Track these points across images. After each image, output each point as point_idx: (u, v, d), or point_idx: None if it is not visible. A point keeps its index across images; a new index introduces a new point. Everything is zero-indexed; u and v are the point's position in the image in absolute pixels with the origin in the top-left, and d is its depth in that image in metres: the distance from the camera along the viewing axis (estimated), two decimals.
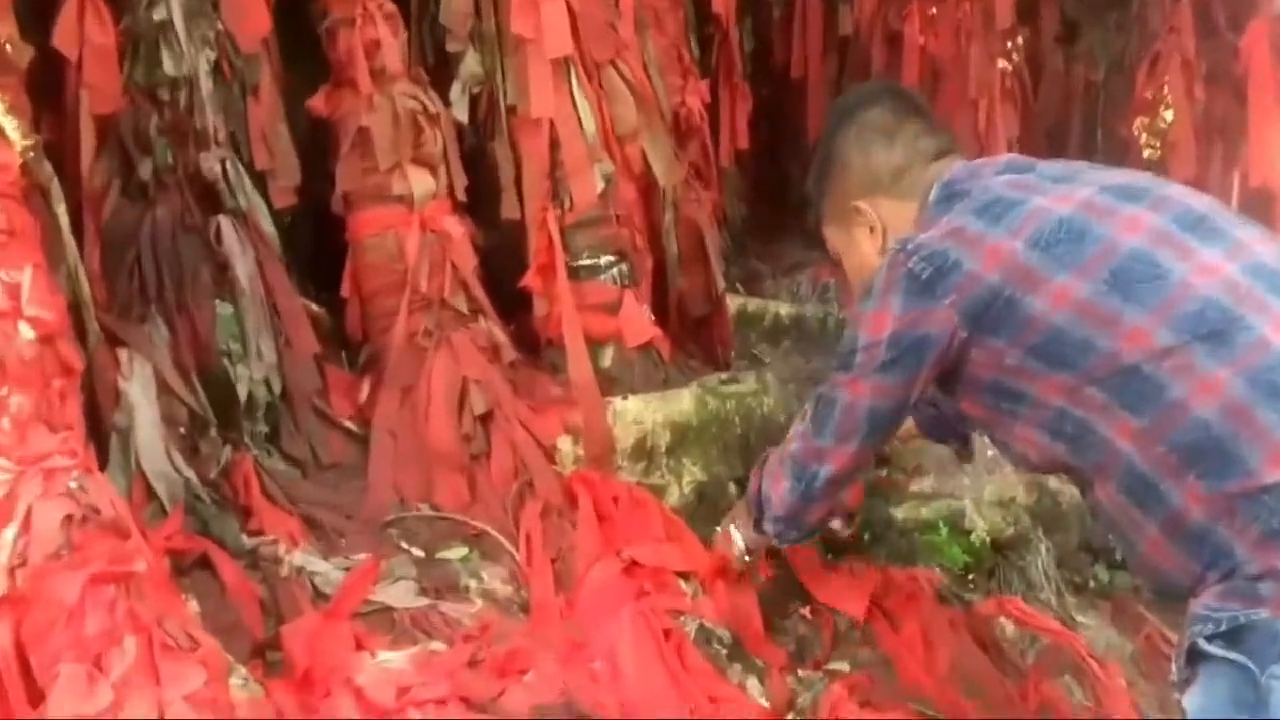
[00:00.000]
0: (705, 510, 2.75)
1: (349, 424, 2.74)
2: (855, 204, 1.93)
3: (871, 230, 1.92)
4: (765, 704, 2.19)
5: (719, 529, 2.46)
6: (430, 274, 2.85)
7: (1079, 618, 2.70)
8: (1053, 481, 2.89)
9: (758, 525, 2.22)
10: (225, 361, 2.51)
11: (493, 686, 1.97)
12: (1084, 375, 1.65)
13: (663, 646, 2.17)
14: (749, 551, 2.33)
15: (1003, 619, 2.55)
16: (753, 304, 3.98)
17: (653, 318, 3.19)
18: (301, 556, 2.23)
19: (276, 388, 2.61)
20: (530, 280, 3.01)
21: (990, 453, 2.78)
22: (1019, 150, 4.20)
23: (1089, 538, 2.90)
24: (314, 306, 2.89)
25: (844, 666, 2.37)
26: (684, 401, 2.88)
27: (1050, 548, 2.80)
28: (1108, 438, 1.64)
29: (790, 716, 2.21)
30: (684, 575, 2.44)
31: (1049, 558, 2.78)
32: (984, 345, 1.72)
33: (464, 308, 2.89)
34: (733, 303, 3.79)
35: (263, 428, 2.57)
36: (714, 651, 2.26)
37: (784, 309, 3.98)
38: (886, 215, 1.90)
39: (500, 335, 2.94)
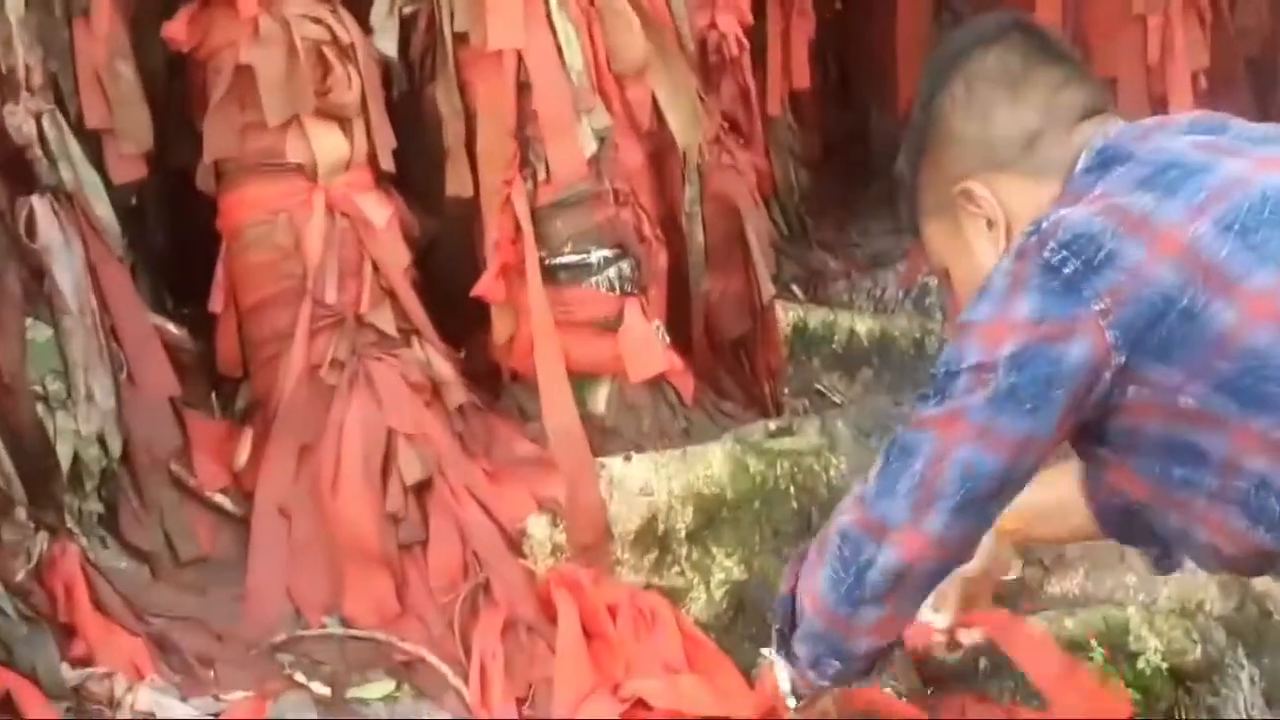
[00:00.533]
0: (745, 624, 2.75)
1: (221, 499, 2.74)
2: (967, 186, 1.89)
3: (990, 224, 1.89)
4: None
5: (764, 655, 2.44)
6: (341, 278, 2.86)
7: None
8: (1259, 581, 2.87)
9: (784, 645, 2.07)
10: (40, 409, 2.51)
11: None
12: None
13: None
14: (797, 694, 2.26)
15: None
16: (816, 316, 3.98)
17: (668, 340, 3.19)
18: (149, 696, 2.22)
19: (115, 447, 2.61)
20: (487, 287, 3.01)
21: None
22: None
23: None
24: (171, 327, 2.90)
25: None
26: (714, 463, 2.89)
27: (1257, 677, 2.78)
28: None
29: None
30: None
31: (1254, 691, 2.76)
32: (1148, 379, 1.68)
33: (390, 328, 2.90)
34: (786, 315, 3.80)
35: (95, 506, 2.57)
36: None
37: (863, 323, 3.98)
38: (1012, 201, 1.88)
39: (443, 367, 2.95)
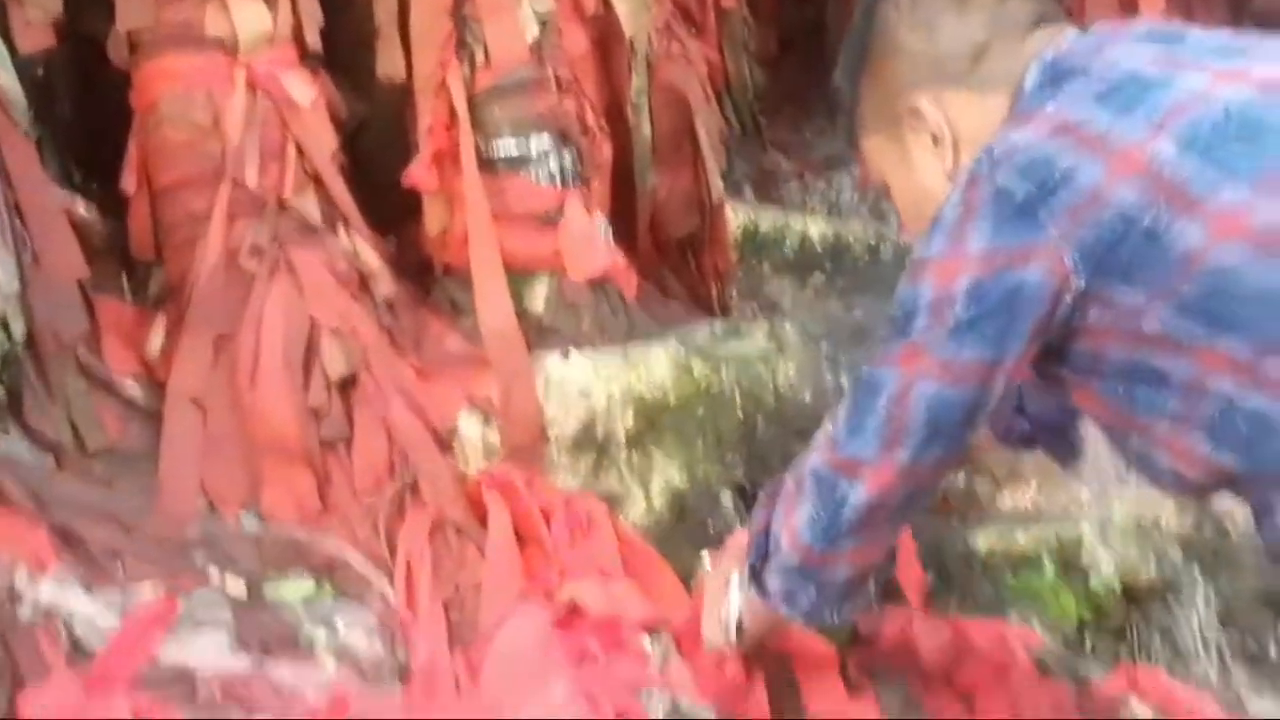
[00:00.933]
0: (685, 531, 2.76)
1: (131, 388, 2.71)
2: (911, 103, 1.93)
3: (936, 140, 1.93)
4: None
5: (707, 563, 2.46)
6: (263, 160, 2.83)
7: (1253, 702, 2.72)
8: (1217, 500, 2.89)
9: (755, 577, 2.21)
10: None
11: None
12: (1264, 343, 1.66)
13: None
14: (741, 630, 2.32)
15: (1135, 702, 2.57)
16: (768, 218, 3.97)
17: (611, 236, 3.20)
18: (52, 589, 2.20)
19: (18, 330, 2.56)
20: (420, 175, 3.00)
21: None
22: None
23: (1271, 584, 2.93)
24: (80, 206, 2.84)
25: None
26: (657, 365, 2.89)
27: (1212, 598, 2.82)
28: None
29: None
30: (650, 630, 2.44)
31: (1210, 612, 2.80)
32: (1111, 301, 1.73)
33: (314, 214, 2.87)
34: (736, 216, 3.79)
35: None
36: None
37: (816, 227, 3.97)
38: (959, 117, 1.90)
39: (371, 257, 2.93)
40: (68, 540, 2.34)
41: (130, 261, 2.93)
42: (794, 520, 2.07)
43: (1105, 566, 2.78)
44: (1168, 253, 1.68)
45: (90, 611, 2.20)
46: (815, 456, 2.05)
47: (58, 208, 2.70)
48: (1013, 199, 1.73)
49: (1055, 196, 1.71)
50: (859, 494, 1.97)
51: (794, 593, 2.15)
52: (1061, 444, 2.33)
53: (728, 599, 2.32)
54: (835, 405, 2.11)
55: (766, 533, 2.17)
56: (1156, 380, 1.75)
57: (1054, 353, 1.83)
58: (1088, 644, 2.71)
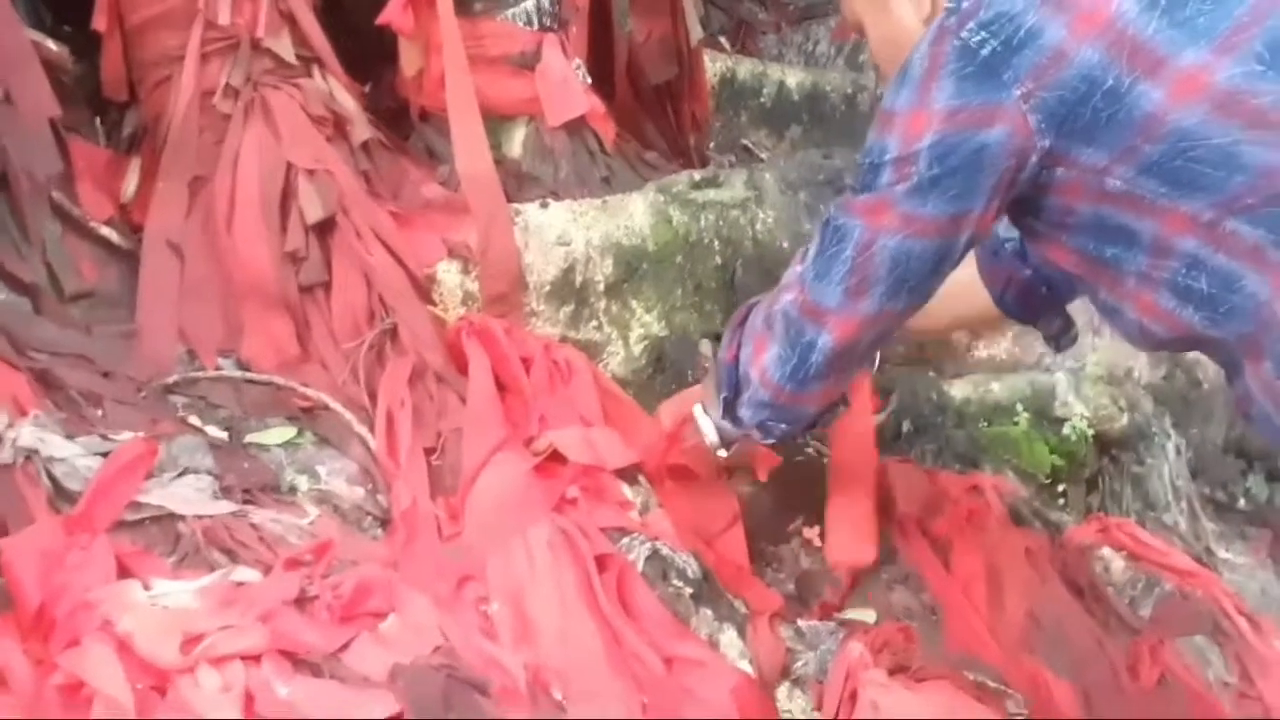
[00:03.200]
0: (665, 381, 2.76)
1: (108, 231, 2.67)
2: None
3: None
4: (747, 667, 2.21)
5: (676, 404, 2.46)
6: None
7: (1221, 552, 2.76)
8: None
9: (729, 410, 2.26)
10: None
11: (332, 636, 1.95)
12: (1226, 203, 1.67)
13: (594, 582, 2.18)
14: (725, 445, 2.34)
15: (1107, 551, 2.60)
16: (745, 67, 3.93)
17: (589, 81, 3.16)
18: (32, 433, 2.16)
19: None
20: (395, 15, 2.93)
21: None
22: None
23: (1241, 434, 2.95)
24: (50, 44, 2.76)
25: (868, 616, 2.42)
26: (635, 213, 2.86)
27: (1182, 447, 2.84)
28: (1262, 295, 1.68)
29: (785, 686, 2.24)
30: (630, 476, 2.45)
31: (1180, 463, 2.83)
32: (1075, 161, 1.74)
33: (289, 54, 2.80)
34: (714, 64, 3.75)
35: None
36: (673, 590, 2.27)
37: (793, 77, 3.94)
38: None
39: (347, 100, 2.87)
40: (47, 385, 2.32)
41: (103, 105, 2.87)
42: (763, 359, 2.13)
43: (1078, 416, 2.80)
44: (1130, 113, 1.69)
45: (70, 454, 2.17)
46: (784, 297, 2.08)
47: (28, 45, 2.62)
48: (976, 55, 1.73)
49: (1019, 54, 1.71)
50: (826, 340, 2.02)
51: (767, 423, 2.22)
52: (1063, 327, 2.32)
53: (701, 425, 2.37)
54: (800, 251, 2.10)
55: (735, 366, 2.22)
56: (1124, 238, 1.76)
57: (1025, 205, 1.85)
58: (1060, 493, 2.74)
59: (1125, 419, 2.81)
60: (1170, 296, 1.76)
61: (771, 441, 2.28)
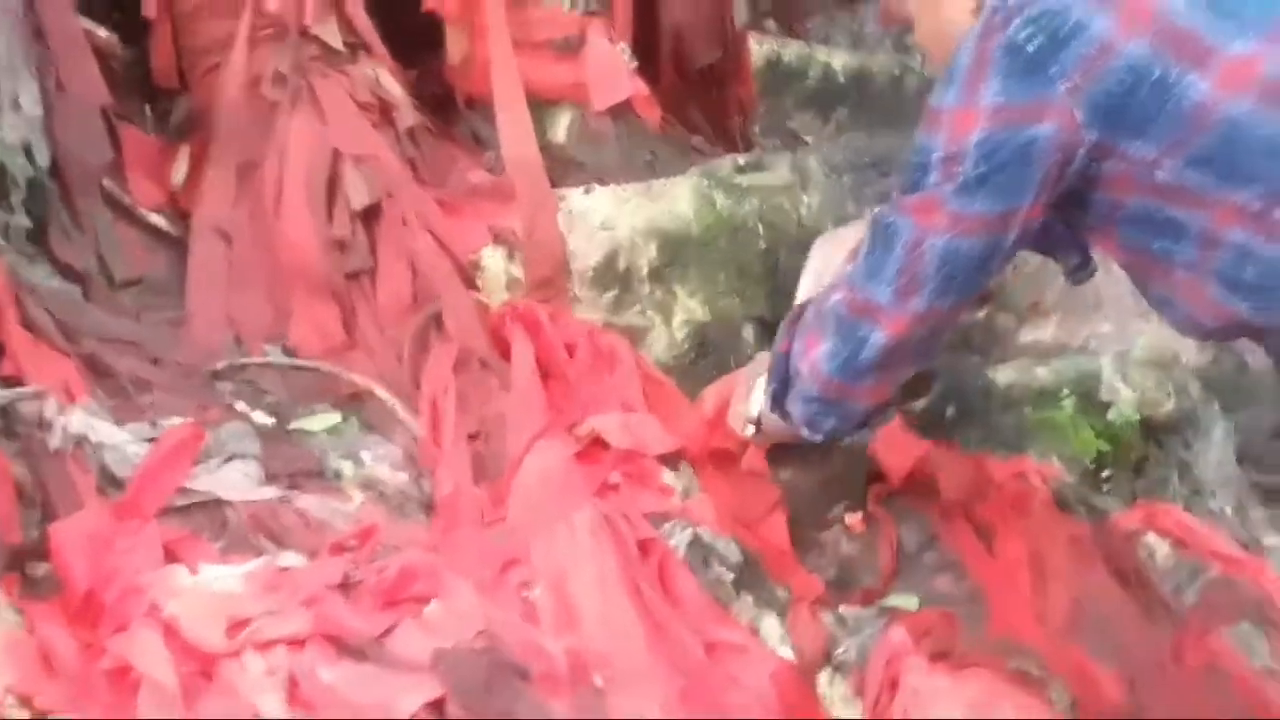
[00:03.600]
0: (707, 366, 2.75)
1: (157, 218, 2.69)
2: None
3: None
4: (788, 653, 2.22)
5: (719, 388, 2.47)
6: None
7: (1269, 539, 2.74)
8: None
9: (778, 403, 2.26)
10: None
11: (375, 621, 1.97)
12: (1276, 193, 1.68)
13: (636, 567, 2.18)
14: (762, 430, 2.35)
15: (1153, 537, 2.58)
16: (790, 50, 3.88)
17: (634, 65, 3.15)
18: (82, 420, 2.19)
19: (43, 158, 2.54)
20: (440, 1, 2.94)
21: None
22: None
23: None
24: (101, 31, 2.79)
25: (910, 602, 2.40)
26: (680, 198, 2.85)
27: (1231, 432, 2.82)
28: None
29: (826, 672, 2.23)
30: (671, 461, 2.45)
31: (1228, 448, 2.80)
32: (1123, 154, 1.74)
33: (336, 41, 2.82)
34: (759, 49, 3.72)
35: (22, 220, 2.50)
36: (714, 576, 2.28)
37: (839, 59, 3.89)
38: None
39: (394, 87, 2.89)
40: (96, 371, 2.35)
41: (153, 92, 2.90)
42: (814, 354, 2.12)
43: (1124, 401, 2.78)
44: (1178, 105, 1.69)
45: (119, 441, 2.20)
46: (835, 294, 2.09)
47: (79, 32, 2.67)
48: (1023, 51, 1.73)
49: (1066, 48, 1.71)
50: (878, 337, 2.02)
51: (815, 418, 2.20)
52: (1080, 261, 2.31)
53: (751, 398, 2.37)
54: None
55: (787, 359, 2.21)
56: (1172, 230, 1.77)
57: (1073, 199, 1.85)
58: (1106, 479, 2.72)
59: (1172, 404, 2.79)
60: (1219, 286, 1.77)
61: (819, 439, 2.26)
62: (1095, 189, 1.80)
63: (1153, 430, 2.78)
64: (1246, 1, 1.68)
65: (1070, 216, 1.90)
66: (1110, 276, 2.66)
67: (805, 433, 2.24)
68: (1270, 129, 1.65)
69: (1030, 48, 1.72)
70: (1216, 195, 1.70)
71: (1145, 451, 2.76)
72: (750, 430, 2.39)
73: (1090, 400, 2.77)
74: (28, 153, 2.50)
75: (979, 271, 1.94)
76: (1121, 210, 1.80)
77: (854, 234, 2.28)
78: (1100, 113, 1.72)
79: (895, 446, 2.59)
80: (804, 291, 2.32)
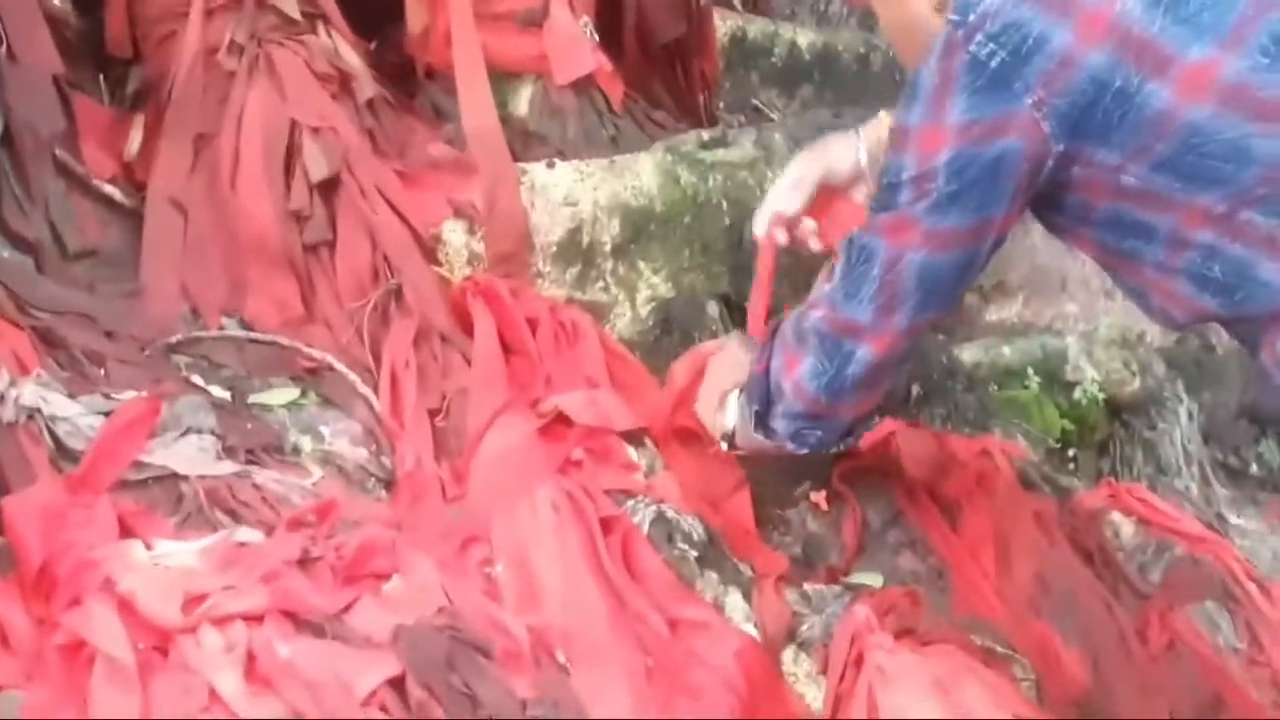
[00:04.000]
0: (672, 343, 2.74)
1: (111, 189, 2.66)
2: None
3: None
4: (752, 630, 2.21)
5: (686, 362, 2.46)
6: None
7: (1233, 518, 2.76)
8: None
9: (761, 423, 2.25)
10: None
11: (334, 597, 1.95)
12: (1239, 195, 1.70)
13: (598, 545, 2.17)
14: (739, 445, 2.35)
15: (1117, 516, 2.60)
16: (755, 26, 3.91)
17: (597, 39, 3.14)
18: (34, 391, 2.15)
19: None
20: None
21: None
22: None
23: (1255, 400, 2.94)
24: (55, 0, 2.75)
25: (874, 579, 2.42)
26: (643, 173, 2.84)
27: (1195, 412, 2.83)
28: (1277, 281, 1.72)
29: (790, 649, 2.23)
30: (635, 438, 2.45)
31: (1192, 427, 2.82)
32: (1090, 161, 1.76)
33: (293, 10, 2.78)
34: (724, 22, 3.73)
35: None
36: (678, 554, 2.27)
37: (804, 37, 3.91)
38: None
39: (352, 57, 2.85)
40: (49, 343, 2.32)
41: (107, 61, 2.85)
42: (797, 372, 2.12)
43: (1089, 380, 2.79)
44: (1141, 112, 1.70)
45: (73, 414, 2.17)
46: (813, 314, 2.08)
47: (33, 1, 2.61)
48: (986, 68, 1.74)
49: (1028, 63, 1.72)
50: (863, 354, 2.03)
51: (801, 433, 2.20)
52: None
53: (724, 411, 2.35)
54: (826, 266, 2.12)
55: (767, 378, 2.20)
56: (1142, 231, 1.79)
57: (1046, 201, 1.87)
58: (1070, 458, 2.73)
59: (1137, 383, 2.81)
60: (1188, 284, 1.80)
61: (806, 451, 2.26)
62: (1066, 193, 1.82)
63: (1118, 409, 2.80)
64: (1202, 6, 1.69)
65: (1044, 217, 1.93)
66: (1076, 258, 2.68)
67: (790, 447, 2.24)
68: (1231, 133, 1.68)
69: (993, 64, 1.73)
70: (1183, 198, 1.73)
71: (1110, 430, 2.78)
72: (724, 446, 2.37)
73: (1055, 379, 2.79)
74: None
75: (958, 283, 1.97)
76: (1093, 212, 1.83)
77: (836, 148, 2.25)
78: (1066, 124, 1.74)
79: None
80: (771, 203, 2.26)
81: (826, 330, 2.05)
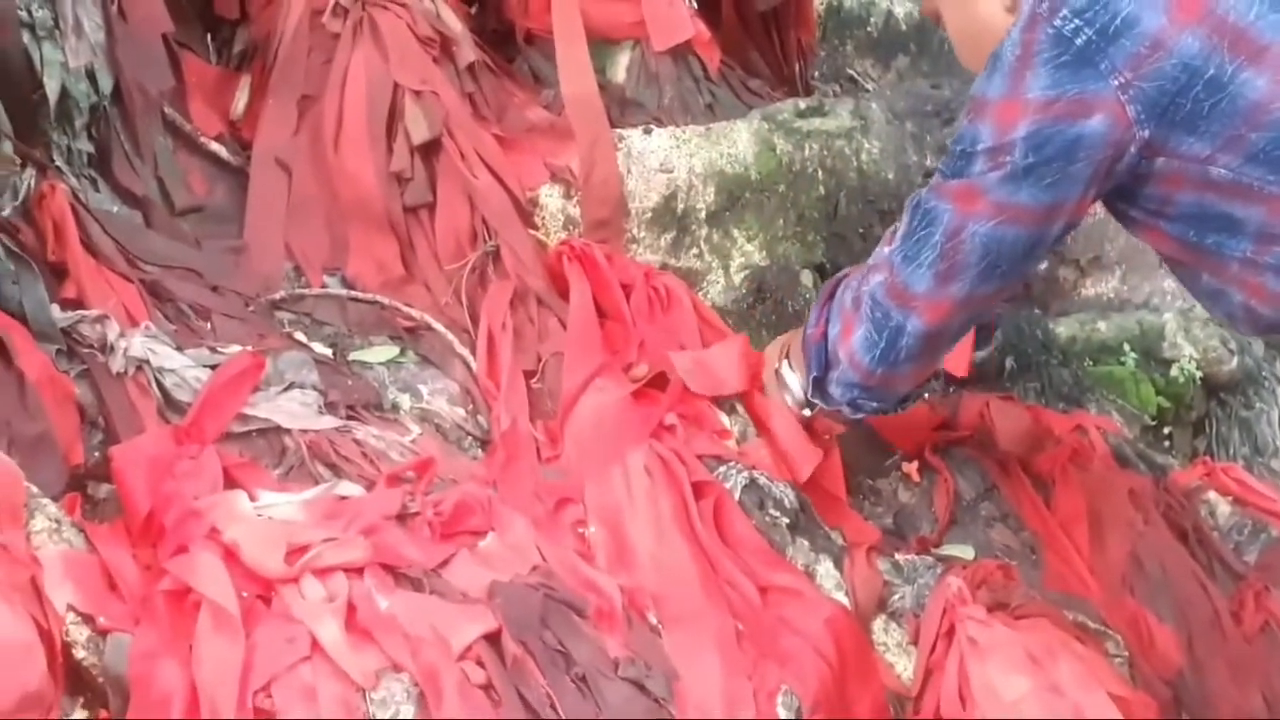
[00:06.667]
0: (765, 311, 2.74)
1: (217, 147, 2.69)
2: None
3: None
4: (843, 599, 2.21)
5: (781, 344, 2.45)
6: None
7: None
8: None
9: (819, 388, 2.24)
10: (25, 37, 2.42)
11: (432, 553, 1.98)
12: None
13: (690, 509, 2.18)
14: (808, 404, 2.33)
15: (1213, 494, 2.57)
16: None
17: (695, 6, 3.15)
18: (143, 343, 2.19)
19: (106, 84, 2.52)
20: None
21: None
22: None
23: None
24: None
25: (966, 551, 2.41)
26: (739, 141, 2.84)
27: None
28: None
29: (880, 619, 2.23)
30: (728, 405, 2.44)
31: None
32: (1177, 151, 1.71)
33: None
34: None
35: (84, 145, 2.50)
36: (770, 520, 2.27)
37: (900, 7, 3.88)
38: None
39: (453, 21, 2.86)
40: (157, 296, 2.35)
41: (215, 21, 2.89)
42: (851, 340, 2.10)
43: (1186, 358, 2.76)
44: (1234, 102, 1.66)
45: (180, 365, 2.20)
46: (873, 278, 2.05)
47: None
48: (1071, 44, 1.70)
49: (1115, 44, 1.68)
50: (915, 324, 2.00)
51: (857, 402, 2.19)
52: None
53: (786, 381, 2.34)
54: (890, 229, 2.09)
55: (825, 344, 2.18)
56: (1227, 225, 1.75)
57: (1122, 193, 1.84)
58: (1166, 435, 2.70)
59: (1234, 362, 2.77)
60: (1277, 279, 1.76)
61: (862, 416, 2.27)
62: (1146, 184, 1.78)
63: (1214, 388, 2.77)
64: None
65: (1116, 208, 1.88)
66: None
67: (848, 412, 2.24)
68: None
69: (1078, 40, 1.70)
70: (1276, 190, 1.69)
71: (1206, 409, 2.76)
72: (806, 412, 2.35)
73: (1152, 356, 2.76)
74: (90, 78, 2.49)
75: (1022, 260, 1.92)
76: (1173, 206, 1.78)
77: None
78: (1153, 110, 1.69)
79: (952, 397, 2.58)
80: None
81: (880, 297, 2.02)
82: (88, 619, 1.76)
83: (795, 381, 2.32)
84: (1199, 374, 2.74)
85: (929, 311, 1.97)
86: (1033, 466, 2.51)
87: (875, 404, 2.18)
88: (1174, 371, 2.73)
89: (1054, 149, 1.75)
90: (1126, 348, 2.74)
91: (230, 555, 1.88)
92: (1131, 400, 2.70)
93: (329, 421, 2.21)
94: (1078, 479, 2.47)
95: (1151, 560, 2.38)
